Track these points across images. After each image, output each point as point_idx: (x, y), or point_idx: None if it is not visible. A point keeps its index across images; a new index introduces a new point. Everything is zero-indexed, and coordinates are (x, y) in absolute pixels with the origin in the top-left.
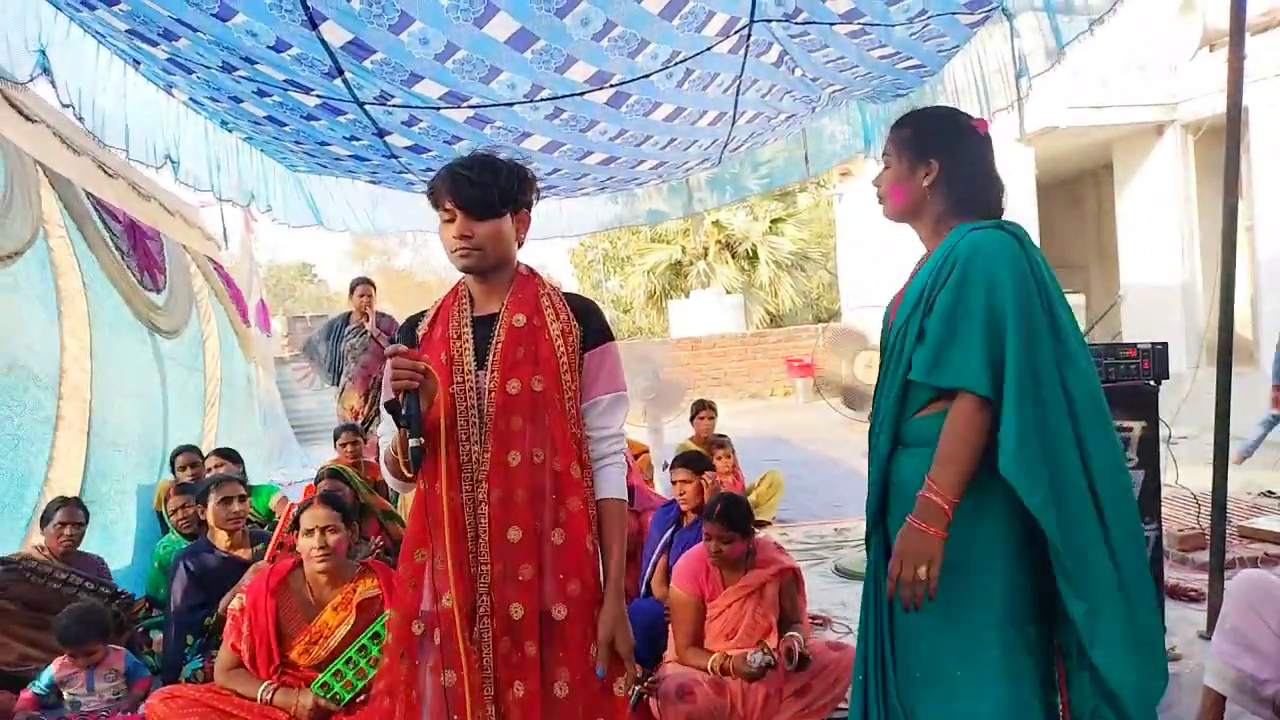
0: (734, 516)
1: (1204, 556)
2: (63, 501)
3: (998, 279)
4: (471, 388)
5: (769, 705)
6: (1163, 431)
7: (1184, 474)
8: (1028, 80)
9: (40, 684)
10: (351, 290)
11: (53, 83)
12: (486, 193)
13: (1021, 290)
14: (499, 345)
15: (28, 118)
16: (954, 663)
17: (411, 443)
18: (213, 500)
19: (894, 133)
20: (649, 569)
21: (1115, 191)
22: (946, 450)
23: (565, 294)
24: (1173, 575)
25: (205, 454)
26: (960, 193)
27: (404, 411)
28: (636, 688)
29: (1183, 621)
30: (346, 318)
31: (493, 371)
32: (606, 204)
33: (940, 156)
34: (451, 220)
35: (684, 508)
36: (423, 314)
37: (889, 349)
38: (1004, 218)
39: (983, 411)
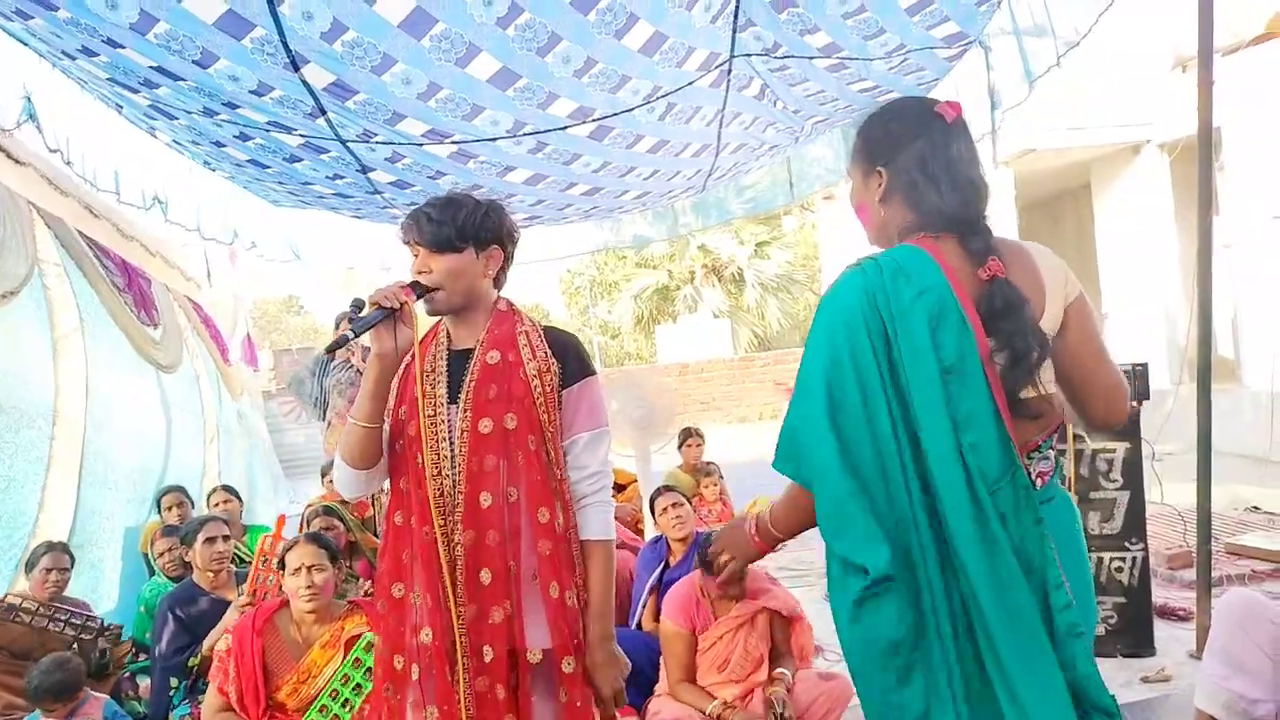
0: None
1: (1192, 575)
2: (48, 547)
3: (811, 341)
4: (443, 421)
5: None
6: (1146, 450)
7: (1169, 491)
8: (1000, 113)
9: None
10: (337, 324)
11: (39, 128)
12: (443, 228)
13: (825, 350)
14: (472, 383)
15: (16, 160)
16: None
17: (349, 329)
18: (198, 541)
19: (851, 148)
20: (638, 609)
21: (1094, 211)
22: (780, 509)
23: (545, 328)
24: (1160, 594)
25: (212, 490)
26: (916, 201)
27: (361, 313)
28: None
29: (1172, 641)
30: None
31: (465, 410)
32: (591, 228)
33: (887, 162)
34: (417, 255)
35: (675, 537)
36: None
37: None
38: (984, 223)
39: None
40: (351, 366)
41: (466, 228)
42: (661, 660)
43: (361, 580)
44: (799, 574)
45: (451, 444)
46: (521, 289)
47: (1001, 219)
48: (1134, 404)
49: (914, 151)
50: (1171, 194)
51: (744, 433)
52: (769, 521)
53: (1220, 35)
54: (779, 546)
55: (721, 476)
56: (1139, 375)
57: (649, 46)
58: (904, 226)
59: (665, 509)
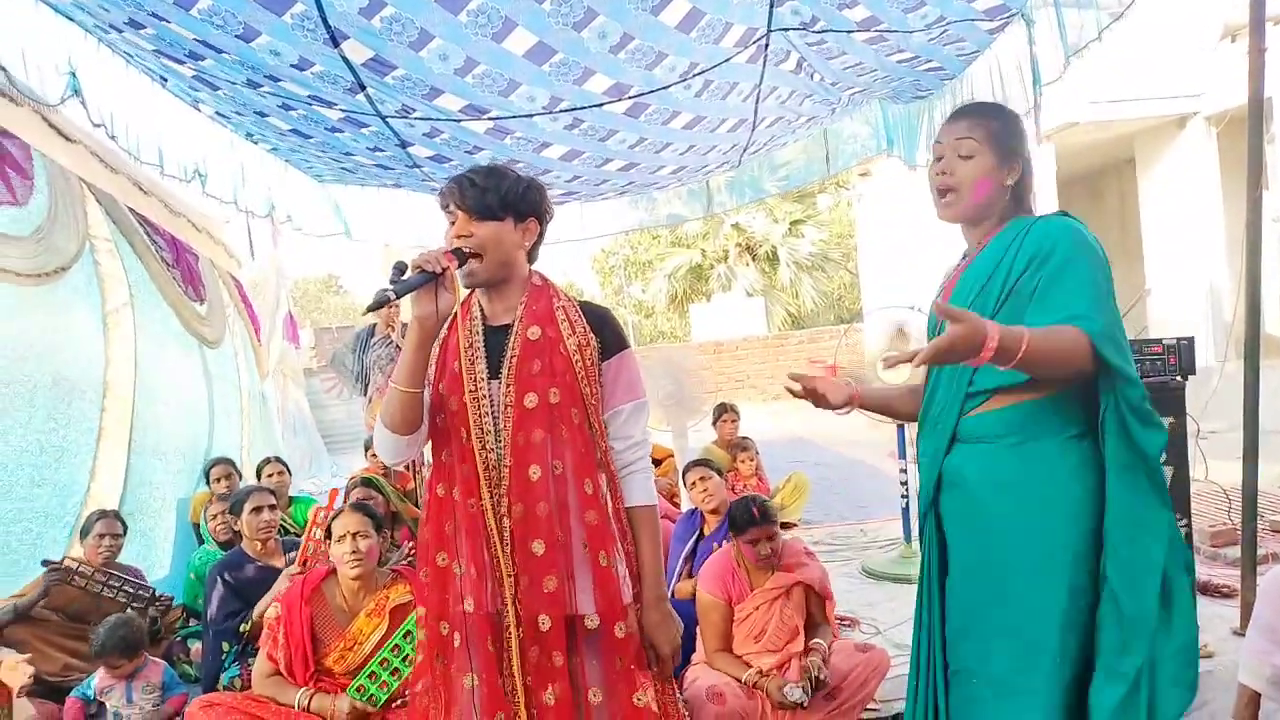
0: (769, 512)
1: (1235, 552)
2: (101, 514)
3: (1097, 260)
4: (485, 396)
5: (798, 709)
6: (1191, 426)
7: (1214, 469)
8: (1039, 88)
9: (84, 690)
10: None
11: (84, 104)
12: (487, 194)
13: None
14: (514, 359)
15: (67, 138)
16: (1011, 669)
17: (390, 289)
18: (245, 511)
19: (979, 122)
20: (673, 579)
21: (1138, 185)
22: (1052, 340)
23: (580, 303)
24: (1204, 571)
25: (264, 461)
26: (1024, 196)
27: (404, 276)
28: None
29: (1215, 618)
30: (372, 329)
31: (508, 385)
32: (626, 207)
33: (1024, 157)
34: (455, 221)
35: (706, 509)
36: None
37: None
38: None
39: (1092, 355)
40: (391, 342)
41: (509, 197)
42: (698, 630)
43: (405, 547)
44: (834, 548)
45: (495, 419)
46: (555, 268)
47: (1041, 194)
48: (1179, 379)
49: (1028, 157)
50: (1218, 167)
51: (778, 410)
52: (1024, 340)
53: (1272, 3)
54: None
55: (757, 452)
56: (1184, 350)
57: (686, 23)
58: (1004, 211)
59: (694, 482)
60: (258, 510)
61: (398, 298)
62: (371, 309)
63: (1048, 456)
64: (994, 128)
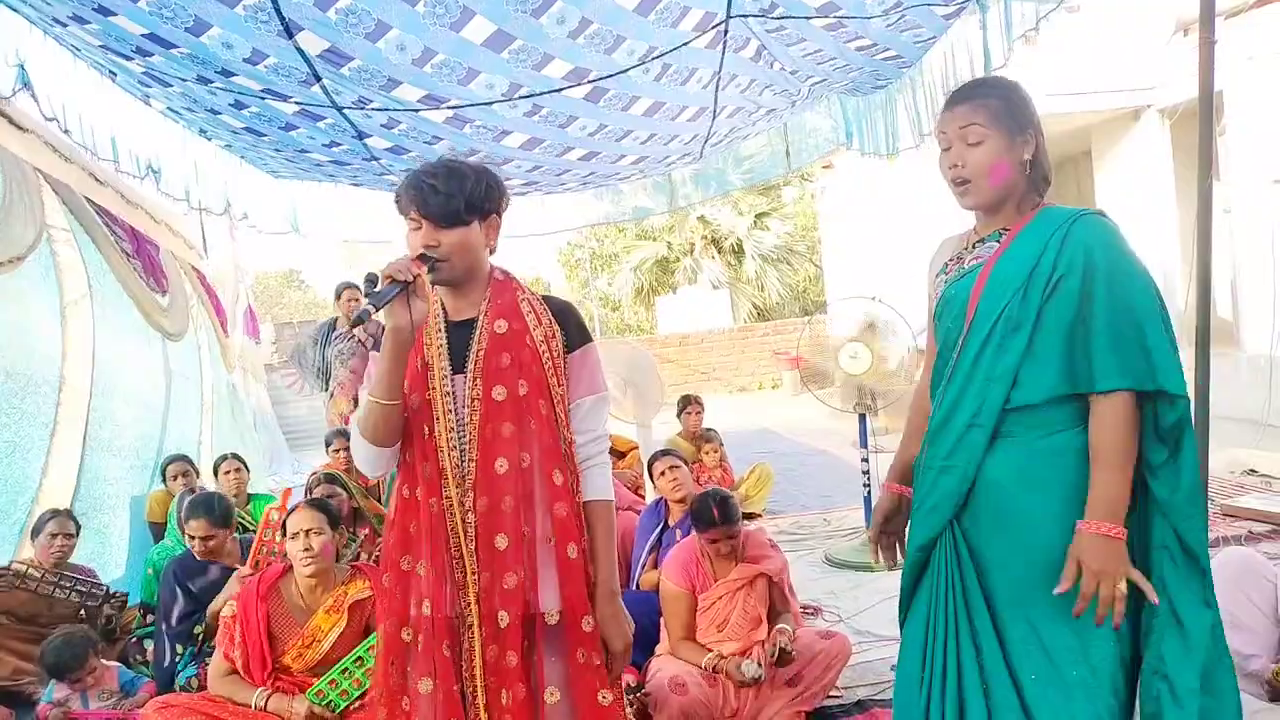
0: (731, 512)
1: None
2: (54, 513)
3: (1138, 269)
4: (448, 392)
5: (760, 695)
6: None
7: None
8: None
9: (48, 698)
10: (338, 295)
11: (34, 96)
12: (452, 201)
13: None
14: (481, 352)
15: (19, 127)
16: (1070, 662)
17: (366, 304)
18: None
19: (980, 104)
20: (638, 570)
21: (1094, 177)
22: (1118, 456)
23: (543, 296)
24: None
25: (221, 458)
26: (1042, 171)
27: (378, 289)
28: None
29: None
30: (333, 323)
31: (475, 379)
32: (592, 201)
33: (1034, 126)
34: (418, 229)
35: (674, 499)
36: None
37: (980, 335)
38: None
39: (1138, 410)
40: (353, 337)
41: (473, 199)
42: (662, 621)
43: (359, 537)
44: (798, 538)
45: (459, 415)
46: (521, 262)
47: None
48: None
49: (1039, 125)
50: (1172, 159)
51: (744, 402)
52: (1119, 500)
53: None
54: None
55: (721, 443)
56: None
57: (644, 6)
58: (1026, 191)
59: (663, 472)
60: (192, 539)
61: (376, 311)
62: (354, 325)
63: (1072, 448)
64: (996, 106)
